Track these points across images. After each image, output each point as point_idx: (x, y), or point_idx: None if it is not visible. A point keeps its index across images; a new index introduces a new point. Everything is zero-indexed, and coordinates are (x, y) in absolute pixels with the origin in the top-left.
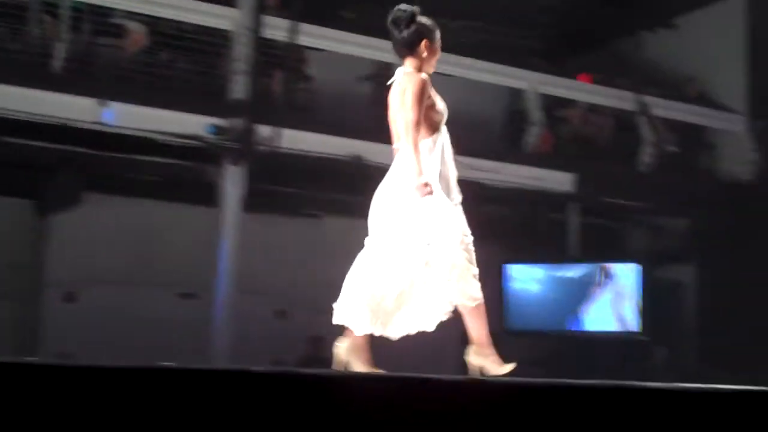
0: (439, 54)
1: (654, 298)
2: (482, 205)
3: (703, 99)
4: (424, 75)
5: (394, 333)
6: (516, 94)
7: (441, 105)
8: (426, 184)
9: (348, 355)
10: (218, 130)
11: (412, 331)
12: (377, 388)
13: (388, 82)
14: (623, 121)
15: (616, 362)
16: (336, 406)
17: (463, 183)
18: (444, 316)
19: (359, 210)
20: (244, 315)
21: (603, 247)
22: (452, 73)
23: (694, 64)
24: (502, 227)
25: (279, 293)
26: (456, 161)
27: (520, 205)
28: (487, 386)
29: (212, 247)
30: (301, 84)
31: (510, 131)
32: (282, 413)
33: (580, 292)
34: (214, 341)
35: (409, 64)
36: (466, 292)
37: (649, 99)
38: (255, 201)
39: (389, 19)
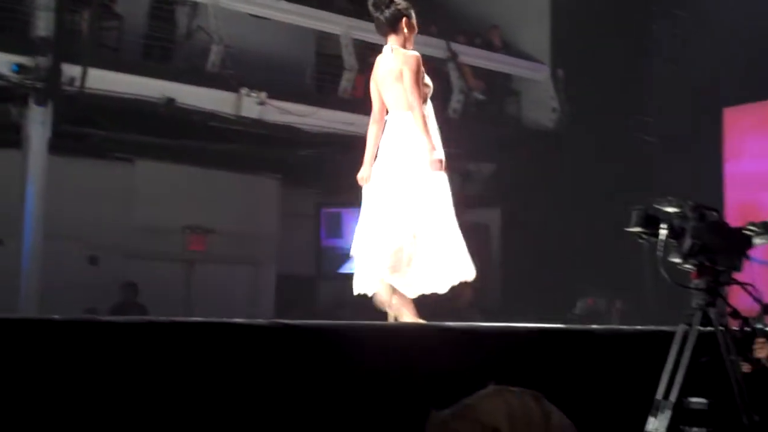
0: (416, 30)
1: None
2: (296, 149)
3: (508, 48)
4: (416, 53)
5: (411, 292)
6: (330, 38)
7: (428, 79)
8: (441, 161)
9: (396, 310)
10: (22, 69)
11: (427, 292)
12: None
13: (378, 59)
14: (433, 68)
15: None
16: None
17: (277, 127)
18: (455, 280)
19: (171, 153)
20: (55, 262)
21: None
22: (265, 16)
23: (500, 13)
24: (317, 172)
25: (90, 239)
26: (270, 105)
27: (334, 150)
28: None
29: (18, 192)
30: (110, 22)
31: (323, 76)
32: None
33: None
34: (22, 290)
35: (393, 41)
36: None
37: (457, 47)
38: (62, 143)
39: (370, 2)
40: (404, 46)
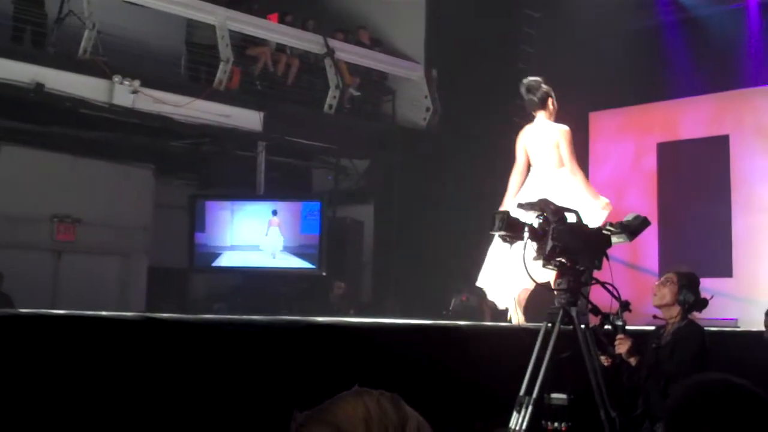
0: (557, 106)
1: (333, 236)
2: (170, 140)
3: (383, 46)
4: (567, 127)
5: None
6: (200, 27)
7: None
8: (609, 202)
9: (513, 309)
10: None
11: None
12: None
13: (528, 127)
14: (310, 63)
15: (297, 297)
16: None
17: (150, 116)
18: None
19: (40, 140)
20: None
21: (288, 186)
22: (139, 3)
23: (376, 11)
24: (191, 163)
25: None
26: (144, 94)
27: (208, 142)
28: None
29: None
30: None
31: (198, 66)
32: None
33: (265, 229)
34: None
35: (543, 115)
36: None
37: (334, 43)
38: None
39: (524, 85)
40: (551, 119)
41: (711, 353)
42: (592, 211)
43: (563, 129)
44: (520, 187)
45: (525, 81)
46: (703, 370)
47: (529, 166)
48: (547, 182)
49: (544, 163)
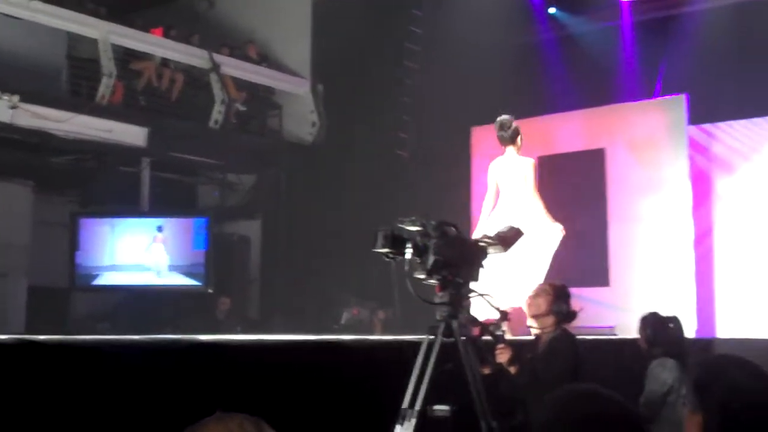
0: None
1: (220, 252)
2: (50, 156)
3: (269, 61)
4: (532, 159)
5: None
6: (82, 41)
7: None
8: (562, 227)
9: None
10: None
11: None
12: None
13: (499, 158)
14: (195, 78)
15: (181, 315)
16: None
17: (30, 132)
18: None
19: None
20: None
21: (173, 202)
22: (16, 15)
23: (263, 26)
24: (72, 179)
25: None
26: (23, 109)
27: (91, 158)
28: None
29: None
30: None
31: (79, 81)
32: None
33: (149, 246)
34: None
35: (512, 149)
36: None
37: (220, 58)
38: None
39: (498, 122)
40: (518, 153)
41: (588, 360)
42: (552, 233)
43: (530, 162)
44: (491, 211)
45: (499, 119)
46: (577, 378)
47: (498, 193)
48: (514, 208)
49: (512, 191)
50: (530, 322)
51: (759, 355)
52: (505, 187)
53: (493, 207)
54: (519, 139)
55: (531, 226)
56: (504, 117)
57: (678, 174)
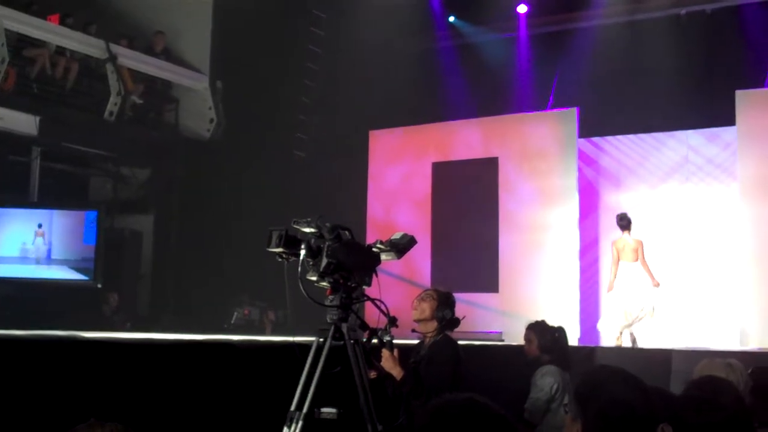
0: None
1: (111, 246)
2: None
3: (169, 55)
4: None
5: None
6: None
7: None
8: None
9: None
10: None
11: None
12: None
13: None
14: (91, 68)
15: (68, 309)
16: None
17: None
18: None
19: None
20: None
21: (64, 194)
22: None
23: (164, 20)
24: None
25: None
26: None
27: None
28: None
29: None
30: None
31: None
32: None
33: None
34: None
35: (627, 234)
36: None
37: (117, 48)
38: None
39: (618, 215)
40: (629, 234)
41: (475, 365)
42: (652, 286)
43: (640, 240)
44: (615, 272)
45: (619, 213)
46: (458, 383)
47: (618, 260)
48: (630, 270)
49: (628, 259)
50: (415, 325)
51: (636, 364)
52: (624, 257)
53: (616, 271)
54: (631, 225)
55: (641, 281)
56: (623, 213)
57: (567, 185)
